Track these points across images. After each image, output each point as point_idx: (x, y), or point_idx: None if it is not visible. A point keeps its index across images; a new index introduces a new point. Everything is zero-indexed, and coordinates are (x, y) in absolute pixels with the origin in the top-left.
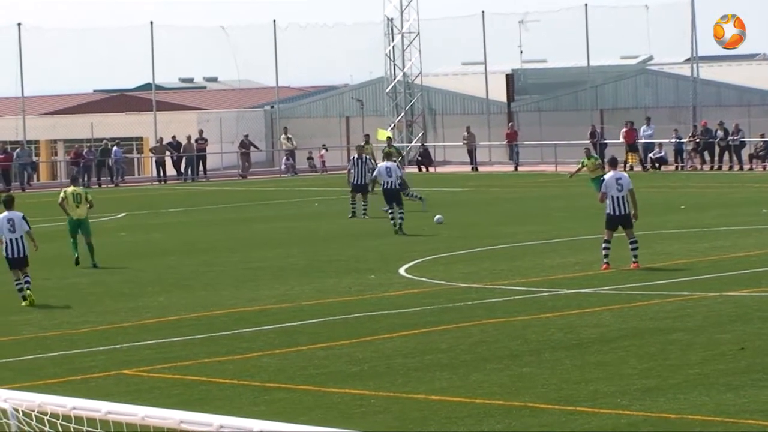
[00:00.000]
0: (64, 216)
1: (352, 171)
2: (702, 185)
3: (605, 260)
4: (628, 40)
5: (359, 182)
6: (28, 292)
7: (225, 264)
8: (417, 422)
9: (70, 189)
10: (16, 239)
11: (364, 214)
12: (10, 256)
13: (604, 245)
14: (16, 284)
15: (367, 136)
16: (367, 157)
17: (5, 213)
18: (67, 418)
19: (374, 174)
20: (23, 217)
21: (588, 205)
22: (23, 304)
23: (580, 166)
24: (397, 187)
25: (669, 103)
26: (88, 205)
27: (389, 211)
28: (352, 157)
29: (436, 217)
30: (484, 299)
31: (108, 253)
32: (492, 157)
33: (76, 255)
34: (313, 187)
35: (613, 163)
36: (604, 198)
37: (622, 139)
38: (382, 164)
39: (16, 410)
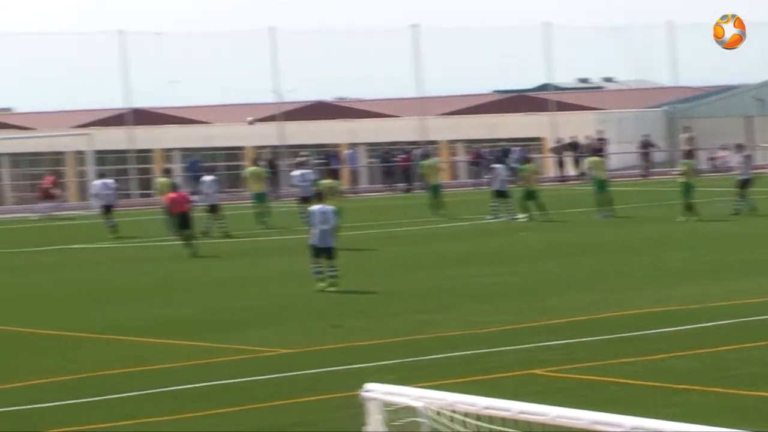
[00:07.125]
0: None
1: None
2: None
3: None
4: None
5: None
6: (330, 280)
7: (630, 264)
8: None
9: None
10: (324, 230)
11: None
12: (317, 244)
13: None
14: (315, 268)
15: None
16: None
17: (318, 206)
18: (477, 416)
19: None
20: (334, 211)
21: None
22: (321, 285)
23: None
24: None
25: None
26: None
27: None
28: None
29: None
30: None
31: (510, 253)
32: None
33: None
34: (715, 188)
35: None
36: None
37: None
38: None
39: (428, 408)
